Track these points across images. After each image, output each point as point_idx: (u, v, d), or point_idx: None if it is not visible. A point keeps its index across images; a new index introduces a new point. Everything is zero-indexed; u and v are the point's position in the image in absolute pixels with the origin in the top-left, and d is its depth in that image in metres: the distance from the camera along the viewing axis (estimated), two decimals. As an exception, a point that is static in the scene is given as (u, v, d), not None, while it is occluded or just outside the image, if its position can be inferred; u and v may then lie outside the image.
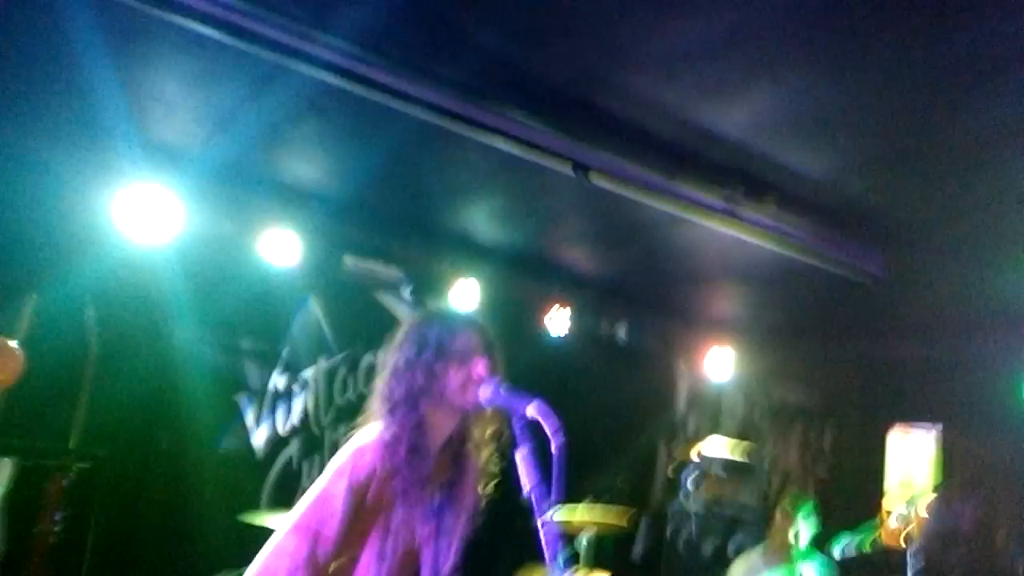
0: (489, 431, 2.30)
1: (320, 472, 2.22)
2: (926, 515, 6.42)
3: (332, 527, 2.09)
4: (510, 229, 4.92)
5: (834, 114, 2.95)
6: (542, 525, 1.90)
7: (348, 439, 2.26)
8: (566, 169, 3.37)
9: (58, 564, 3.63)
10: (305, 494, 2.15)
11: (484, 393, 2.19)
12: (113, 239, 4.05)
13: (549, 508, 1.92)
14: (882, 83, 2.71)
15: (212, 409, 4.64)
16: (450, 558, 2.29)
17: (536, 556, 1.94)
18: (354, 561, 2.15)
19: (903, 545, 5.56)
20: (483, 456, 2.32)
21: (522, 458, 2.00)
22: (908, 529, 6.01)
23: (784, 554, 4.68)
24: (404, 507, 2.15)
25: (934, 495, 7.28)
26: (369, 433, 2.24)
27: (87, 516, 3.81)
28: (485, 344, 2.27)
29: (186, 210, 4.18)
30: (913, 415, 6.93)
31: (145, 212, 4.03)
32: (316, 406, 5.07)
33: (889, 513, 6.67)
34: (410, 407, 2.21)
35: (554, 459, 1.91)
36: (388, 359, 2.30)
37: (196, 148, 3.98)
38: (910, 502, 6.76)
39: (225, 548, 3.88)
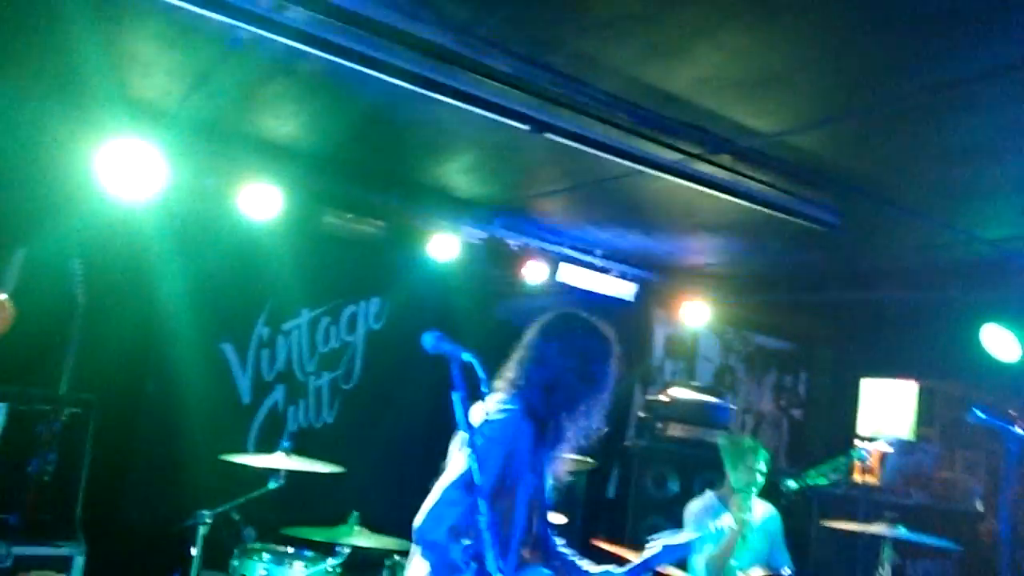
0: None
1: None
2: (890, 453, 6.68)
3: (488, 484, 2.40)
4: (487, 184, 5.07)
5: (777, 74, 3.07)
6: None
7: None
8: (526, 127, 3.53)
9: (52, 501, 3.89)
10: (457, 456, 2.52)
11: (429, 341, 2.38)
12: (98, 194, 4.22)
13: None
14: (823, 42, 2.84)
15: (196, 356, 4.87)
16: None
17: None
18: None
19: (863, 480, 5.85)
20: None
21: (458, 400, 2.21)
22: (866, 466, 6.31)
23: (739, 495, 4.93)
24: (528, 477, 2.63)
25: (899, 437, 7.51)
26: (510, 407, 2.65)
27: (79, 457, 4.04)
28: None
29: (168, 165, 4.33)
30: (885, 364, 7.15)
31: (128, 168, 4.19)
32: (300, 354, 5.29)
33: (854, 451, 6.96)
34: (546, 392, 2.69)
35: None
36: (534, 341, 2.79)
37: (174, 105, 4.11)
38: (869, 442, 7.03)
39: (210, 485, 4.12)
